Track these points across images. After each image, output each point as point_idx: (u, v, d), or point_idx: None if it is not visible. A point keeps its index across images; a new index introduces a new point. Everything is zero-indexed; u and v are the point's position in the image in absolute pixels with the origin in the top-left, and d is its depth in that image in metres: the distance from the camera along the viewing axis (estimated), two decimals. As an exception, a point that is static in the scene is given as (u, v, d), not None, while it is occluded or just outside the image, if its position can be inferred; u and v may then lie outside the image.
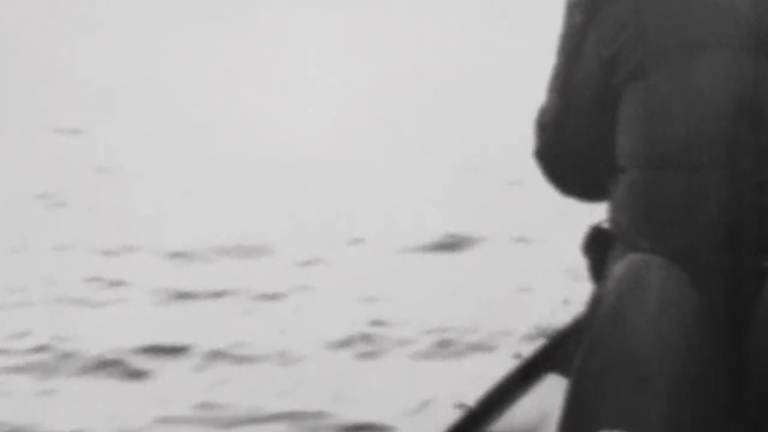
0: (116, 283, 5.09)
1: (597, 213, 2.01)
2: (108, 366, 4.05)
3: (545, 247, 5.65)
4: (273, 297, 4.91)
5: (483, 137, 8.78)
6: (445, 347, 4.26)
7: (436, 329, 4.39)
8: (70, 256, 5.61)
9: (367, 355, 4.22)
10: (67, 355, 4.15)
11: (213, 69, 12.38)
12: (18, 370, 4.06)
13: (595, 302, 1.84)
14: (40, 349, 4.21)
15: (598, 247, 1.98)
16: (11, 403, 3.79)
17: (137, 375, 4.00)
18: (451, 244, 5.82)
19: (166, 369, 4.05)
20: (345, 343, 4.29)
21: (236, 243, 5.74)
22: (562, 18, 2.03)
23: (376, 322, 4.51)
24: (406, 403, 3.63)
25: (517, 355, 2.33)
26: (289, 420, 3.57)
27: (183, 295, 4.91)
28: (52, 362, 4.10)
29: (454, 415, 2.12)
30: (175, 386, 3.91)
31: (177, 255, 5.54)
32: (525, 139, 2.14)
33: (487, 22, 14.63)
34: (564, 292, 4.33)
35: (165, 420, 3.58)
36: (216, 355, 4.14)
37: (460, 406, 2.12)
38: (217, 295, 4.91)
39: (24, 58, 12.98)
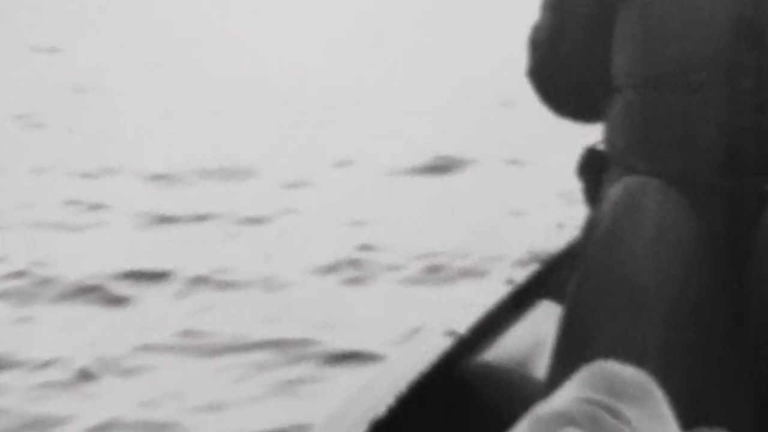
0: (96, 207, 5.06)
1: (592, 134, 1.94)
2: (87, 292, 4.03)
3: (538, 170, 5.63)
4: (257, 221, 4.89)
5: (475, 56, 8.73)
6: (435, 273, 4.23)
7: (425, 254, 4.37)
8: (48, 178, 5.58)
9: (354, 281, 4.19)
10: (45, 281, 4.12)
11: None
12: (-6, 296, 4.03)
13: (590, 226, 1.79)
14: (17, 274, 4.19)
15: (593, 169, 1.94)
16: (-13, 330, 3.75)
17: (117, 301, 3.98)
18: (441, 167, 5.80)
19: (147, 295, 4.03)
20: (332, 269, 4.27)
21: (219, 165, 5.72)
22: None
23: (364, 247, 4.49)
24: (395, 331, 3.60)
25: (510, 281, 2.30)
26: (273, 348, 3.54)
27: (165, 219, 4.89)
28: (29, 288, 4.08)
29: (444, 343, 2.07)
30: (157, 313, 3.88)
31: (158, 177, 5.52)
32: (518, 58, 2.08)
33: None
34: (558, 216, 4.27)
35: (146, 348, 3.56)
36: (198, 281, 4.12)
37: (451, 333, 2.09)
38: (200, 218, 4.89)
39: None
